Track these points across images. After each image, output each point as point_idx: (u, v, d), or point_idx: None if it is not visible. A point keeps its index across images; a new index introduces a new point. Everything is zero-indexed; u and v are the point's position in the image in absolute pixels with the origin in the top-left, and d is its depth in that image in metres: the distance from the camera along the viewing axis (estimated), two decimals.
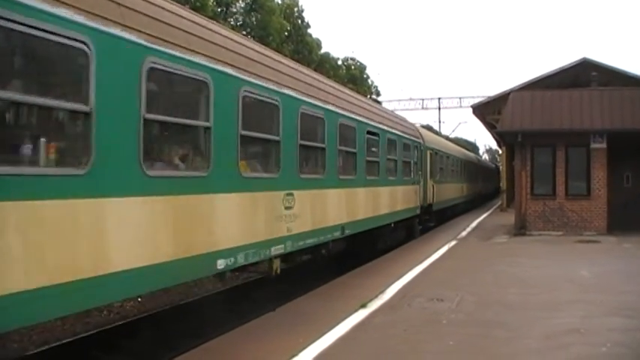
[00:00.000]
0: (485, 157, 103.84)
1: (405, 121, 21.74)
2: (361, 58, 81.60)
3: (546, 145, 21.45)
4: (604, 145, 20.72)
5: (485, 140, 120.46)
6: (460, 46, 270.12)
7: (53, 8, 5.07)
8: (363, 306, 9.41)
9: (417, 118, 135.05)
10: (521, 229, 21.37)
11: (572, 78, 28.26)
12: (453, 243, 18.76)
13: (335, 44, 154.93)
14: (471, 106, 38.02)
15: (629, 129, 20.29)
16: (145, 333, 9.74)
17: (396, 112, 25.07)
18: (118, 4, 5.96)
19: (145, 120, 6.20)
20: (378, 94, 54.66)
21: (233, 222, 8.06)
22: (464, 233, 22.11)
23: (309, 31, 40.42)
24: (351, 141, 13.29)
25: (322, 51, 42.90)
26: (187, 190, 7.05)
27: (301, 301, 10.29)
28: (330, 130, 11.81)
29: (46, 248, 5.02)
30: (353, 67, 49.97)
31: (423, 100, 64.58)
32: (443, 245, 17.87)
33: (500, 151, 43.62)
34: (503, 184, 37.71)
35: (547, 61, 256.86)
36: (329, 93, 12.20)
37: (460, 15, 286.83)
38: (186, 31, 7.11)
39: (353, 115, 13.32)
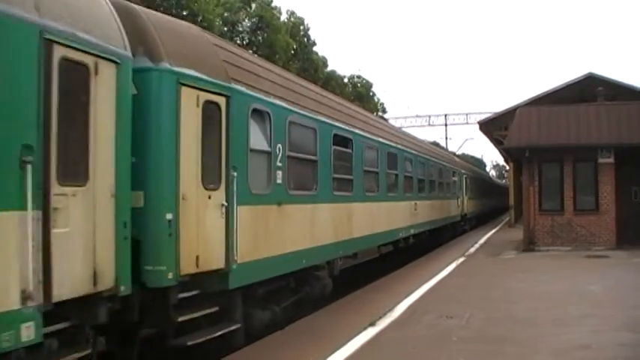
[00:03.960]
0: (493, 173, 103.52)
1: (446, 152, 33.49)
2: (367, 76, 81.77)
3: (554, 161, 21.41)
4: (612, 160, 20.67)
5: (492, 156, 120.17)
6: (466, 62, 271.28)
7: None
8: (372, 324, 9.38)
9: (423, 134, 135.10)
10: (529, 244, 21.28)
11: (578, 93, 28.26)
12: (462, 259, 18.71)
13: (341, 62, 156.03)
14: (478, 122, 38.05)
15: (636, 143, 20.24)
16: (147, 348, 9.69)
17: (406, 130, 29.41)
18: None
19: None
20: (384, 111, 54.78)
21: None
22: (472, 249, 22.05)
23: (315, 49, 40.55)
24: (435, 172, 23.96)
25: (328, 69, 43.05)
26: None
27: (310, 318, 10.28)
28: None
29: None
30: (359, 85, 50.12)
31: (429, 116, 64.60)
32: (451, 262, 17.82)
33: (508, 167, 43.51)
34: (511, 200, 37.66)
35: (553, 77, 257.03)
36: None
37: (466, 32, 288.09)
38: None
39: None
